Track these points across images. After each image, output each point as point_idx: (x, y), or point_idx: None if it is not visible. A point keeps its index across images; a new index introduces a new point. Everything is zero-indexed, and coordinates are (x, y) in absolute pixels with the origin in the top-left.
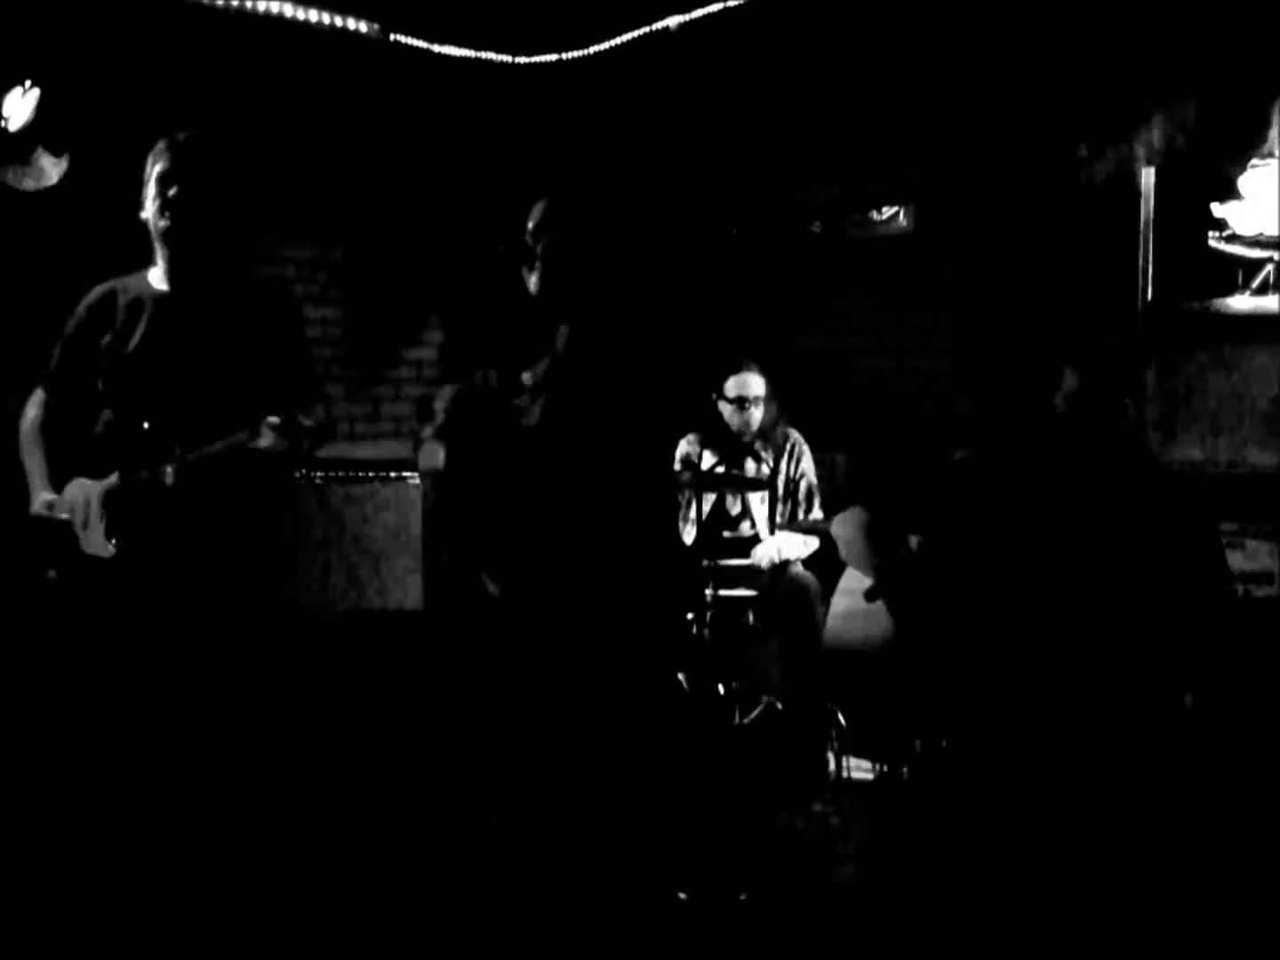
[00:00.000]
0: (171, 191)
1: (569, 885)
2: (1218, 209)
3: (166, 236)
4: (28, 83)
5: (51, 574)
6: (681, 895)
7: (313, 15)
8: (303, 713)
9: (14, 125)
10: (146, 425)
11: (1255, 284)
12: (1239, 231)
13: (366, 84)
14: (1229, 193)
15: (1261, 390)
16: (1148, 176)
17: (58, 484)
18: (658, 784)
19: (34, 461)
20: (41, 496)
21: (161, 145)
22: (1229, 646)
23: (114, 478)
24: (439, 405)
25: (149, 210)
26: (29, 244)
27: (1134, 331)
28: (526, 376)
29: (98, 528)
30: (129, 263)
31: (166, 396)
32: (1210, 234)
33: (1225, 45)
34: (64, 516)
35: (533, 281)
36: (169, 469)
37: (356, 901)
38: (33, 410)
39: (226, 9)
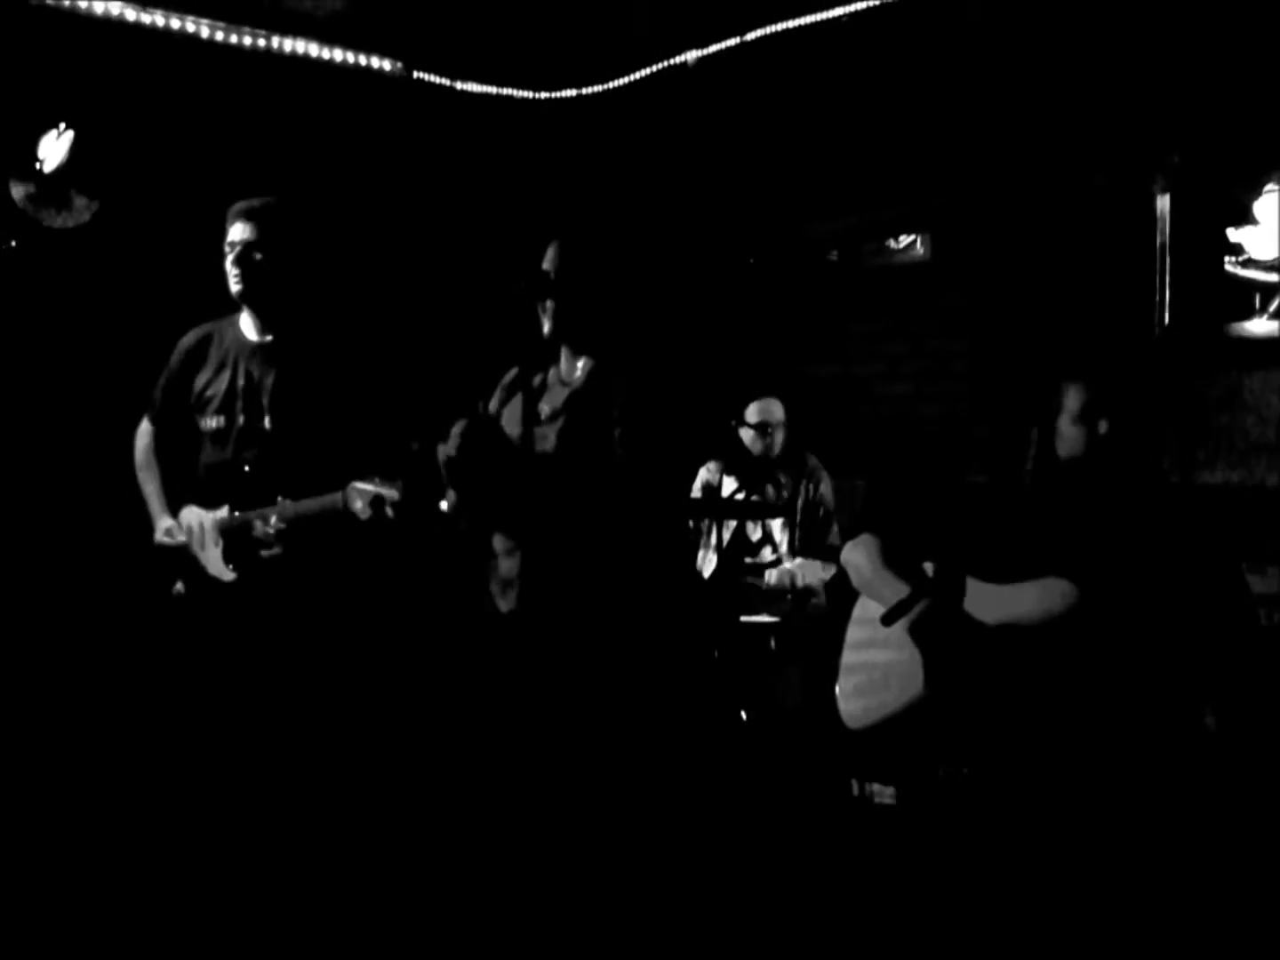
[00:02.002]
0: (240, 256)
1: (586, 913)
2: (1233, 234)
3: (241, 298)
4: (62, 125)
5: (179, 587)
6: (706, 913)
7: (337, 55)
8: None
9: (49, 166)
10: (247, 469)
11: (1272, 308)
12: (1255, 256)
13: (389, 121)
14: (1244, 218)
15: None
16: (1163, 202)
17: (173, 506)
18: (677, 808)
19: (150, 486)
20: (161, 524)
21: (235, 210)
22: (1252, 670)
23: (224, 510)
24: (452, 442)
25: (235, 272)
26: (61, 280)
27: (1151, 356)
28: (544, 408)
29: (215, 554)
30: (157, 297)
31: (264, 442)
32: (1226, 259)
33: (1239, 72)
34: (181, 540)
35: (546, 319)
36: (273, 517)
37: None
38: (143, 439)
39: (254, 50)
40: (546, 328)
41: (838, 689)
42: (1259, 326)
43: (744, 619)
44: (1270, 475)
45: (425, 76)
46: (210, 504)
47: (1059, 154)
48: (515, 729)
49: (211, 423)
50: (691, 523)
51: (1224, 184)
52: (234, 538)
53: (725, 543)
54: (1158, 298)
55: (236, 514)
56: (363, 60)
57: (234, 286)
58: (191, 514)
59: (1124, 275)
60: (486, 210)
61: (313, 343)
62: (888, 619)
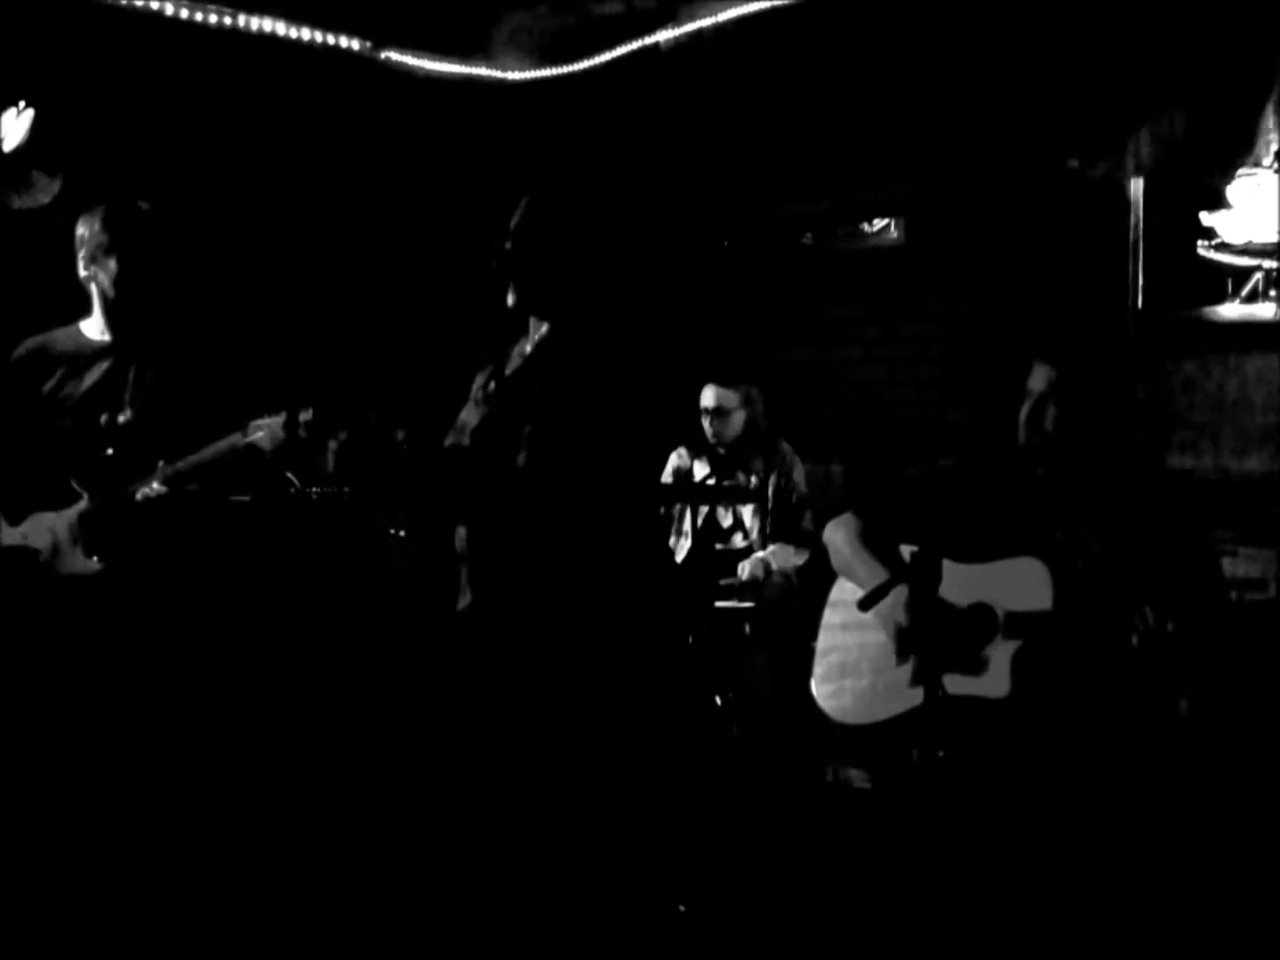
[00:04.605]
0: (112, 263)
1: (566, 899)
2: (1206, 218)
3: (113, 305)
4: (22, 103)
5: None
6: (681, 908)
7: (304, 33)
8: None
9: (8, 145)
10: (110, 451)
11: (1244, 292)
12: (1228, 240)
13: (356, 100)
14: (1217, 202)
15: (1252, 397)
16: (1137, 186)
17: (12, 519)
18: (652, 796)
19: None
20: (11, 531)
21: (98, 213)
22: (1226, 653)
23: (83, 502)
24: (329, 457)
25: (86, 273)
26: (20, 261)
27: (1125, 339)
28: (476, 387)
29: (73, 551)
30: None
31: (123, 435)
32: (1199, 243)
33: (1213, 57)
34: (33, 545)
35: (512, 292)
36: (154, 483)
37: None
38: None
39: (220, 27)
40: (511, 300)
41: (813, 673)
42: (1231, 310)
43: (718, 604)
44: (1241, 459)
45: (393, 55)
46: (60, 504)
47: (1033, 138)
48: (477, 722)
49: (68, 421)
50: (663, 508)
51: (1197, 168)
52: (96, 525)
53: (698, 528)
54: (1130, 282)
55: (100, 500)
56: (330, 39)
57: (108, 295)
58: (38, 520)
59: (1097, 259)
60: (455, 189)
61: (172, 339)
62: (864, 604)
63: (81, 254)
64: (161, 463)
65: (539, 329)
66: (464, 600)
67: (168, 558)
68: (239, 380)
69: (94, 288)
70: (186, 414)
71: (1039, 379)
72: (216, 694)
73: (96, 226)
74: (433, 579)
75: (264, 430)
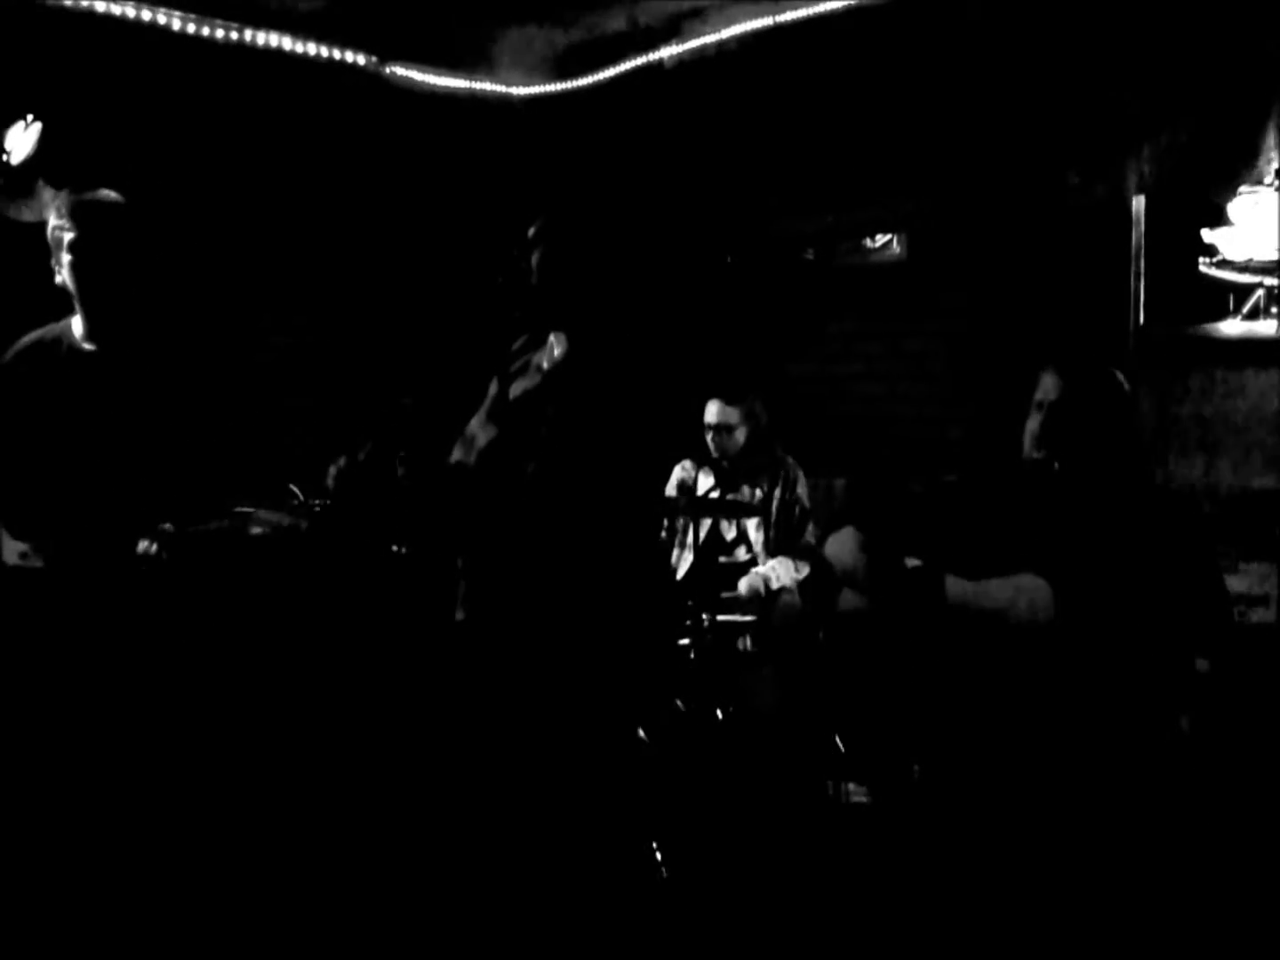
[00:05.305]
0: (79, 257)
1: (558, 920)
2: (1208, 235)
3: (81, 300)
4: (29, 117)
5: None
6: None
7: (311, 48)
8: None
9: (16, 159)
10: (104, 495)
11: (1246, 309)
12: (1229, 257)
13: (363, 115)
14: (1219, 219)
15: (1254, 413)
16: (1138, 203)
17: (15, 532)
18: (652, 808)
19: None
20: (12, 545)
21: (65, 207)
22: (1227, 669)
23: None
24: (329, 482)
25: (62, 273)
26: (28, 274)
27: (1126, 356)
28: (490, 397)
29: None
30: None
31: (117, 468)
32: (1201, 260)
33: (1214, 74)
34: (33, 564)
35: (526, 305)
36: (153, 544)
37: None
38: None
39: (226, 42)
40: (522, 312)
41: None
42: (1233, 327)
43: (719, 618)
44: (1242, 474)
45: (399, 70)
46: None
47: (1034, 154)
48: (464, 727)
49: (61, 445)
50: (666, 521)
51: (1198, 185)
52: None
53: (701, 541)
54: (1132, 298)
55: (100, 550)
56: (336, 54)
57: (72, 287)
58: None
59: (1099, 276)
60: (461, 204)
61: (146, 354)
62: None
63: (59, 256)
64: (166, 526)
65: (558, 345)
66: (459, 615)
67: (165, 567)
68: (231, 391)
69: (70, 290)
70: (177, 431)
71: (1050, 391)
72: (212, 701)
73: (54, 218)
74: (430, 593)
75: (269, 525)
